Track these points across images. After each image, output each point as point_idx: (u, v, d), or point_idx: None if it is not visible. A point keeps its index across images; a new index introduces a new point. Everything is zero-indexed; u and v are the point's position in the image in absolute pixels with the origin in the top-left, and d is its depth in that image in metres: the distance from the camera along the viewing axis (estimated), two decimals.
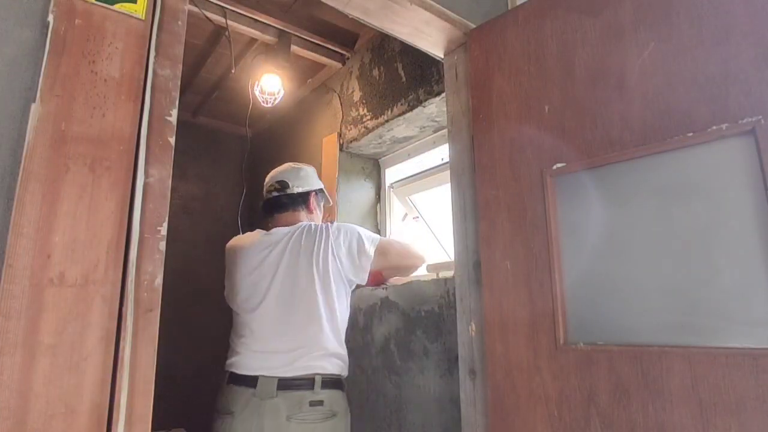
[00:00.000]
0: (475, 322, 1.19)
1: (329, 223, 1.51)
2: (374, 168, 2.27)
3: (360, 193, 2.17)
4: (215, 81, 2.54)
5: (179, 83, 0.81)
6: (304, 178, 1.64)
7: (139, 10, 0.78)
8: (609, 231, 0.98)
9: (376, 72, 2.02)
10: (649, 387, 0.87)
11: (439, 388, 1.40)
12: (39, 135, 0.66)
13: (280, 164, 1.70)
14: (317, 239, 1.45)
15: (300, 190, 1.61)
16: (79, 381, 0.64)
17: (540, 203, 1.07)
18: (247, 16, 1.92)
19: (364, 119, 2.04)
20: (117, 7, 0.76)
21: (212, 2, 1.81)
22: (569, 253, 1.03)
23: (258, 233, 1.58)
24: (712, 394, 0.81)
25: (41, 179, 0.65)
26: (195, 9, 1.77)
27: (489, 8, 1.37)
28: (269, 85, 2.17)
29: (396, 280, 1.68)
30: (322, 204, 1.72)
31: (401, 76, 1.87)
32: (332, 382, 1.38)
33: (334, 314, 1.42)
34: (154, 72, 0.78)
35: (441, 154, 1.96)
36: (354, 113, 2.12)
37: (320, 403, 1.33)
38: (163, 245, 0.74)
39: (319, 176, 1.75)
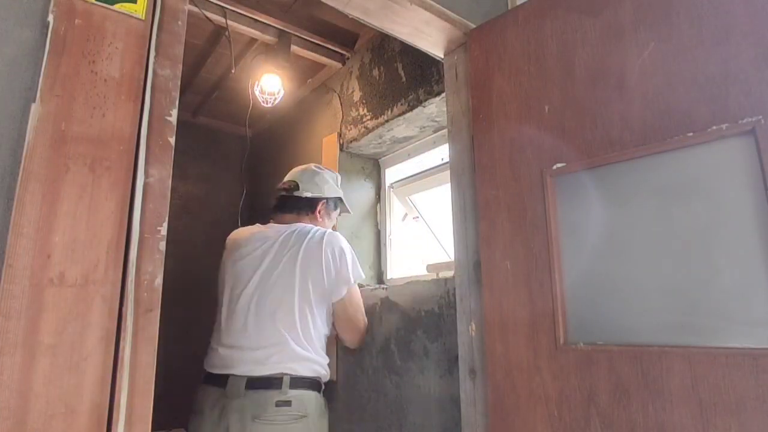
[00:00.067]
0: (475, 322, 1.19)
1: (326, 231, 1.50)
2: (374, 168, 2.27)
3: (360, 193, 2.17)
4: (215, 81, 2.54)
5: (179, 83, 0.81)
6: (319, 183, 1.62)
7: (139, 10, 0.78)
8: (609, 231, 0.98)
9: (376, 72, 2.02)
10: (649, 387, 0.87)
11: (439, 388, 1.40)
12: (39, 135, 0.66)
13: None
14: (306, 243, 1.44)
15: (308, 195, 1.60)
16: (79, 381, 0.64)
17: (540, 203, 1.07)
18: (247, 16, 1.92)
19: (364, 119, 2.04)
20: (117, 7, 0.76)
21: (212, 2, 1.81)
22: (569, 253, 1.03)
23: (256, 226, 1.59)
24: (712, 394, 0.81)
25: (41, 179, 0.65)
26: (195, 9, 1.77)
27: (489, 8, 1.37)
28: (269, 85, 2.17)
29: (396, 281, 1.68)
30: (334, 213, 1.70)
31: (401, 76, 1.87)
32: (304, 383, 1.36)
33: (308, 319, 1.41)
34: (154, 72, 0.78)
35: (441, 154, 1.96)
36: (354, 113, 2.12)
37: (287, 403, 1.31)
38: (163, 245, 0.74)
39: None
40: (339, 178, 1.75)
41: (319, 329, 1.44)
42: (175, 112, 0.79)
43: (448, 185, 1.35)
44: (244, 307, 1.41)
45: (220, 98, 2.72)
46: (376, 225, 2.19)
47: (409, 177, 2.12)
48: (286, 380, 1.33)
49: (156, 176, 0.75)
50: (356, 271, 1.50)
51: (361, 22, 1.28)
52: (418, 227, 2.17)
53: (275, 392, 1.31)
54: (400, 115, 1.84)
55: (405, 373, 1.52)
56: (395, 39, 1.48)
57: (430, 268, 1.68)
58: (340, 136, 2.19)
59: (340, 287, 1.46)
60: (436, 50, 1.41)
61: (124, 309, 0.69)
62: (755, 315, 0.80)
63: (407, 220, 2.21)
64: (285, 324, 1.38)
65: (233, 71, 2.15)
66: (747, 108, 0.84)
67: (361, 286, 1.69)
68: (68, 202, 0.67)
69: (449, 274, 1.49)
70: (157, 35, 0.80)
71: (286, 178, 1.66)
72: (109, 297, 0.68)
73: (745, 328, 0.80)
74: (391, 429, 1.54)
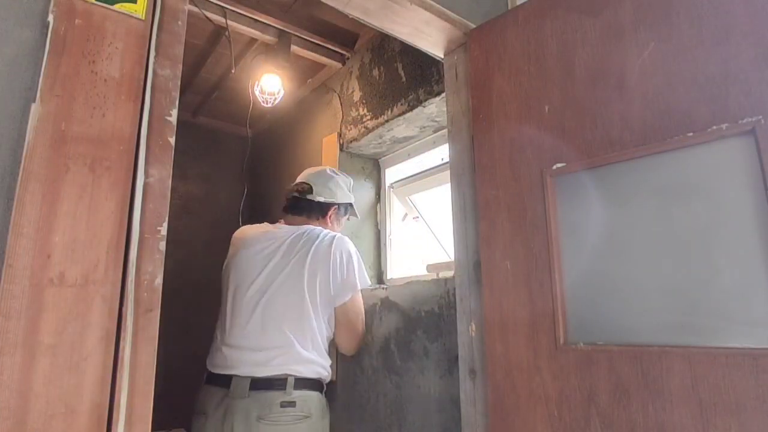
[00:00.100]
0: (475, 322, 1.19)
1: (335, 235, 1.50)
2: (374, 168, 2.27)
3: (360, 193, 2.17)
4: (215, 81, 2.54)
5: (179, 83, 0.81)
6: (332, 189, 1.62)
7: (139, 10, 0.78)
8: (609, 231, 0.98)
9: (376, 72, 2.02)
10: (649, 387, 0.87)
11: (439, 388, 1.40)
12: (39, 135, 0.66)
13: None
14: (315, 246, 1.44)
15: (321, 199, 1.60)
16: (79, 381, 0.64)
17: (540, 203, 1.07)
18: (247, 16, 1.92)
19: (364, 119, 2.04)
20: (117, 7, 0.76)
21: (212, 2, 1.81)
22: (569, 253, 1.03)
23: (265, 225, 1.59)
24: (712, 394, 0.81)
25: (41, 179, 0.65)
26: (195, 9, 1.77)
27: (489, 8, 1.37)
28: (269, 85, 2.17)
29: (396, 281, 1.68)
30: (344, 218, 1.70)
31: (401, 76, 1.87)
32: (307, 383, 1.36)
33: (313, 322, 1.41)
34: (154, 72, 0.78)
35: (441, 154, 1.96)
36: (354, 113, 2.12)
37: (292, 404, 1.31)
38: (163, 245, 0.74)
39: None
40: (351, 183, 1.74)
41: (323, 332, 1.45)
42: (175, 112, 0.79)
43: (448, 185, 1.35)
44: (249, 307, 1.40)
45: (220, 98, 2.72)
46: (376, 225, 2.19)
47: (409, 177, 2.12)
48: (291, 381, 1.33)
49: (156, 176, 0.75)
50: (363, 278, 1.50)
51: (361, 22, 1.27)
52: (418, 227, 2.17)
53: (280, 393, 1.32)
54: (400, 115, 1.84)
55: (405, 373, 1.52)
56: (395, 39, 1.48)
57: (430, 268, 1.68)
58: (340, 136, 2.18)
59: (346, 292, 1.46)
60: (436, 50, 1.41)
61: (124, 309, 0.69)
62: (755, 315, 0.80)
63: (407, 220, 2.21)
64: (291, 327, 1.38)
65: (233, 71, 2.15)
66: (747, 108, 0.84)
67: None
68: (68, 202, 0.67)
69: (449, 274, 1.49)
70: (157, 35, 0.80)
71: (300, 179, 1.65)
72: (109, 297, 0.68)
73: (745, 328, 0.80)
74: (391, 429, 1.54)
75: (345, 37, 2.16)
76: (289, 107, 2.70)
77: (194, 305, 2.53)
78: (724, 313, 0.83)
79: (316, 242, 1.45)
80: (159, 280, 0.73)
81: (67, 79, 0.70)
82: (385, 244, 2.14)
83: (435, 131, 1.95)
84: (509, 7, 1.41)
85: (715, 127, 0.87)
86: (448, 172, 1.41)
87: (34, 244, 0.64)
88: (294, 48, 2.08)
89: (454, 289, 1.27)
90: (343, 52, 2.21)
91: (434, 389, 1.42)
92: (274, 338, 1.36)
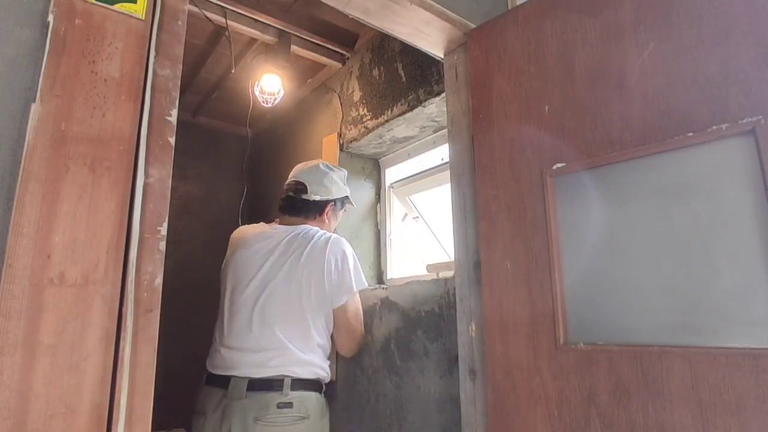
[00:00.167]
0: (475, 322, 1.19)
1: (331, 236, 1.50)
2: (374, 168, 2.27)
3: (360, 193, 2.17)
4: (215, 81, 2.54)
5: (179, 83, 0.81)
6: (328, 186, 1.60)
7: (139, 10, 0.78)
8: (609, 231, 0.98)
9: (376, 72, 2.02)
10: (649, 387, 0.87)
11: (439, 388, 1.40)
12: (39, 135, 0.66)
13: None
14: (309, 246, 1.44)
15: (317, 198, 1.58)
16: (79, 381, 0.64)
17: (540, 203, 1.07)
18: (247, 16, 1.92)
19: (364, 119, 2.04)
20: (117, 7, 0.76)
21: (212, 2, 1.81)
22: (569, 253, 1.03)
23: (261, 225, 1.59)
24: (712, 394, 0.81)
25: (41, 179, 0.65)
26: (195, 9, 1.77)
27: (489, 8, 1.37)
28: (269, 85, 2.17)
29: (396, 281, 1.68)
30: (340, 212, 1.69)
31: (401, 76, 1.87)
32: (304, 384, 1.36)
33: (309, 323, 1.41)
34: (154, 72, 0.78)
35: (441, 154, 1.96)
36: (354, 113, 2.12)
37: (289, 405, 1.31)
38: (163, 245, 0.74)
39: None
40: (345, 174, 1.73)
41: (321, 333, 1.44)
42: (175, 112, 0.79)
43: (448, 185, 1.35)
44: (247, 308, 1.40)
45: (220, 98, 2.72)
46: (376, 225, 2.19)
47: (409, 177, 2.12)
48: (287, 382, 1.33)
49: (156, 176, 0.75)
50: (359, 280, 1.49)
51: (361, 22, 1.28)
52: (418, 227, 2.17)
53: (276, 394, 1.31)
54: (400, 115, 1.84)
55: (405, 373, 1.52)
56: (395, 39, 1.48)
57: (430, 268, 1.68)
58: (340, 136, 2.18)
59: (342, 294, 1.46)
60: (436, 50, 1.41)
61: (124, 309, 0.69)
62: (755, 315, 0.80)
63: (407, 220, 2.21)
64: (287, 328, 1.38)
65: (233, 71, 2.15)
66: (747, 108, 0.84)
67: None
68: (68, 202, 0.67)
69: (449, 274, 1.49)
70: (157, 35, 0.80)
71: (292, 177, 1.64)
72: (109, 297, 0.68)
73: (745, 328, 0.80)
74: (391, 429, 1.54)
75: (345, 37, 2.16)
76: (289, 107, 2.70)
77: (194, 305, 2.53)
78: (724, 313, 0.83)
79: (311, 243, 1.45)
80: (159, 280, 0.73)
81: (67, 79, 0.70)
82: (385, 244, 2.14)
83: (435, 131, 1.95)
84: (509, 7, 1.41)
85: (715, 127, 0.87)
86: (448, 172, 1.41)
87: (34, 244, 0.64)
88: (294, 48, 2.08)
89: (454, 289, 1.27)
90: (343, 52, 2.21)
91: (434, 389, 1.42)
92: (271, 339, 1.36)
